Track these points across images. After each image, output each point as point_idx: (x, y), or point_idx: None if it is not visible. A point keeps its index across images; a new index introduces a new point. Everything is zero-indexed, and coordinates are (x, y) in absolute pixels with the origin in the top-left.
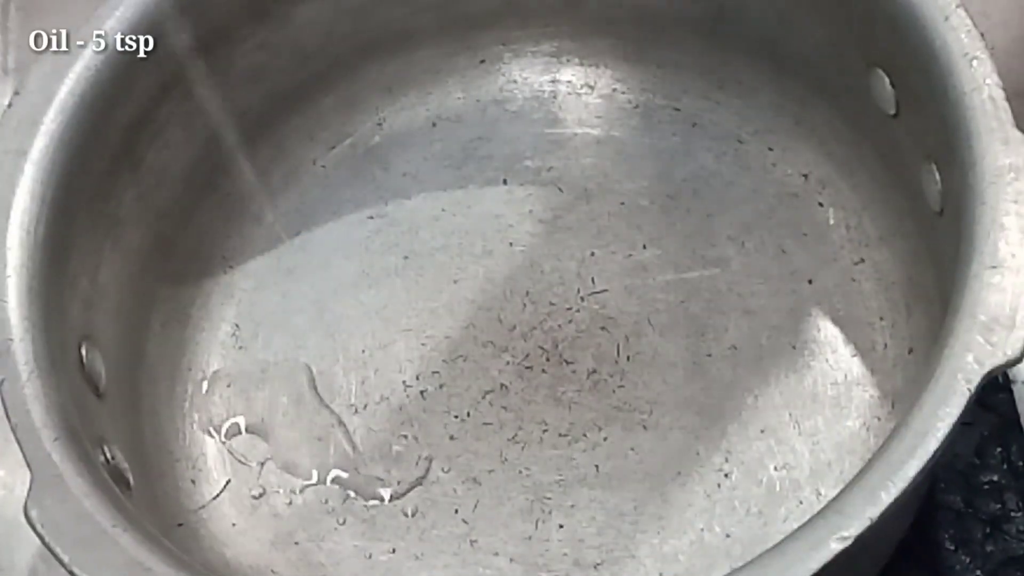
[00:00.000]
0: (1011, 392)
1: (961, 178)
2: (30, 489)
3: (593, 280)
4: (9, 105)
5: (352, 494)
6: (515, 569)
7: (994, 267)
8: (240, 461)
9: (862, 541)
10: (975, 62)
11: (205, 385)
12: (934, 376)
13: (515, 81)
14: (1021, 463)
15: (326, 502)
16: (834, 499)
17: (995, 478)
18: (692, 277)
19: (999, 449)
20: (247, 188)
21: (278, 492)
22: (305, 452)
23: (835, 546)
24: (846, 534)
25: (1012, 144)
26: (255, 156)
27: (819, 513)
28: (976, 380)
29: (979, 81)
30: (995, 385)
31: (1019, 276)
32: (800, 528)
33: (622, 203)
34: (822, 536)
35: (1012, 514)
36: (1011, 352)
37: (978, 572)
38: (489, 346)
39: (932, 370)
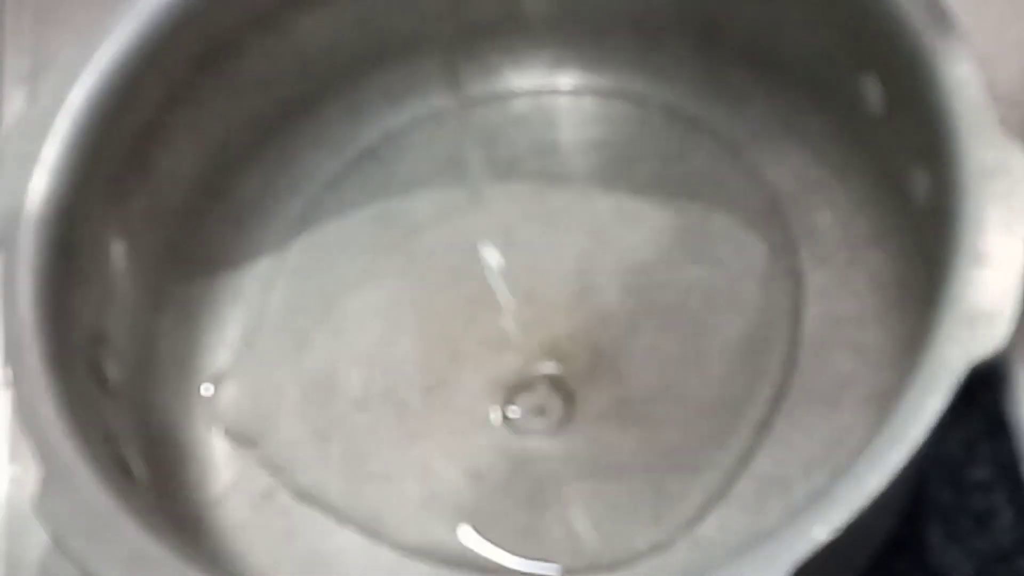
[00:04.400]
0: (1000, 391)
1: (947, 177)
2: (39, 483)
3: (592, 279)
4: (22, 111)
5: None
6: (515, 560)
7: (978, 262)
8: (248, 458)
9: (848, 531)
10: (960, 65)
11: (214, 384)
12: (919, 368)
13: (515, 87)
14: (1009, 461)
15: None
16: (822, 489)
17: (984, 475)
18: (689, 276)
19: (988, 447)
20: (255, 192)
21: (285, 489)
22: (311, 448)
23: (821, 535)
24: (832, 523)
25: (996, 144)
26: (262, 161)
27: (807, 502)
28: (960, 371)
29: (964, 83)
30: (984, 383)
31: (1002, 271)
32: (789, 517)
33: (620, 204)
34: (808, 525)
35: (1000, 511)
36: (994, 344)
37: (967, 567)
38: (490, 343)
39: (917, 362)
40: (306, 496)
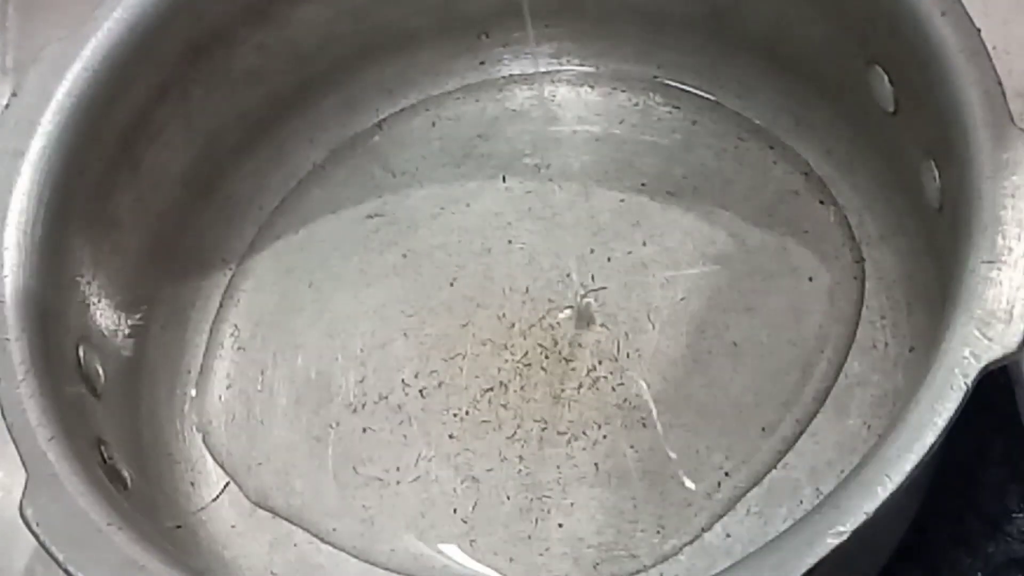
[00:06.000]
0: (1012, 392)
1: (959, 174)
2: (25, 488)
3: (592, 277)
4: (7, 106)
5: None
6: (514, 568)
7: (991, 262)
8: (239, 463)
9: (859, 537)
10: (972, 58)
11: (204, 386)
12: (931, 371)
13: (514, 81)
14: (1022, 463)
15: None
16: (831, 495)
17: (996, 478)
18: (692, 274)
19: (1000, 449)
20: (246, 189)
21: (277, 493)
22: (304, 453)
23: (831, 541)
24: (842, 529)
25: (1009, 139)
26: (254, 157)
27: (816, 508)
28: (973, 375)
29: (976, 77)
30: (996, 385)
31: (1016, 270)
32: (797, 523)
33: (622, 200)
34: (818, 531)
35: (1013, 514)
36: (1008, 346)
37: (979, 572)
38: (488, 344)
39: (929, 365)
40: (298, 501)
